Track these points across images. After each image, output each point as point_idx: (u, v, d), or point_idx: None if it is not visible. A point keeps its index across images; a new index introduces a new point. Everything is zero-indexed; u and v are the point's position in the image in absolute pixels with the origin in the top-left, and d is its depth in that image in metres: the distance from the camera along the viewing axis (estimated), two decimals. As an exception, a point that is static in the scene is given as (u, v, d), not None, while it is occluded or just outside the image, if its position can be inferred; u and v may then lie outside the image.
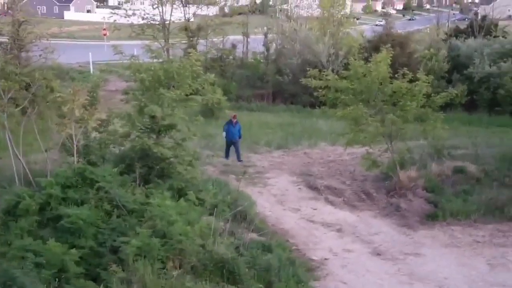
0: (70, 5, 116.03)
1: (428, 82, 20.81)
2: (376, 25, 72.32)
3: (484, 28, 51.99)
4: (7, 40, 31.93)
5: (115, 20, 46.79)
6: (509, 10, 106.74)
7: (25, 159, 15.33)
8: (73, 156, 15.12)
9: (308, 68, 24.83)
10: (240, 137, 23.52)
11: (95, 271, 10.28)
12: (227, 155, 23.41)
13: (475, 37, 48.18)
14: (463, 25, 58.09)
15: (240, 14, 59.44)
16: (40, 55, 31.42)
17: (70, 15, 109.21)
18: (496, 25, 54.21)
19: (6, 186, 14.07)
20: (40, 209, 11.72)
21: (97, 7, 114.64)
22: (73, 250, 10.31)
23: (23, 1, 41.71)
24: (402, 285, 13.51)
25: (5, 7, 36.16)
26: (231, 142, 23.19)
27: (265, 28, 51.42)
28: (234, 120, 23.38)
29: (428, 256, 15.55)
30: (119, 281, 9.97)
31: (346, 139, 21.67)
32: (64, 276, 9.89)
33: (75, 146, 15.12)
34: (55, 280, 9.77)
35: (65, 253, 10.17)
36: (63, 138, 15.53)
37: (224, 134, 23.28)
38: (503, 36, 49.49)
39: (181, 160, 15.43)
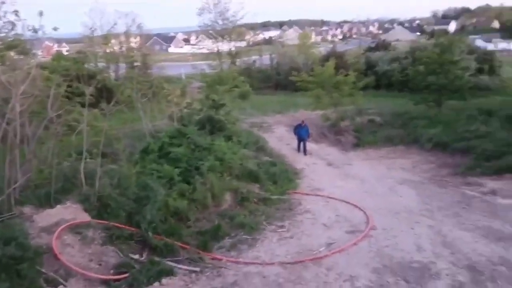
0: (171, 44, 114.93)
1: (354, 76, 20.33)
2: (327, 47, 70.18)
3: (383, 46, 50.48)
4: (139, 64, 32.12)
5: (194, 51, 46.62)
6: (397, 38, 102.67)
7: (151, 124, 15.28)
8: (174, 121, 15.06)
9: (293, 71, 24.34)
10: (308, 136, 16.93)
11: (188, 179, 10.30)
12: (298, 149, 16.66)
13: (379, 51, 46.63)
14: (373, 45, 56.13)
15: (257, 45, 58.53)
16: (156, 71, 31.83)
17: (171, 49, 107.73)
18: (389, 44, 52.74)
19: (142, 138, 14.09)
20: (159, 149, 11.67)
21: (185, 44, 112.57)
22: (176, 169, 10.36)
23: (146, 44, 41.85)
24: (342, 180, 13.44)
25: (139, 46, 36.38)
26: (300, 140, 16.65)
27: (270, 52, 50.30)
28: (303, 124, 16.81)
29: (355, 165, 15.46)
30: (200, 183, 10.08)
31: (313, 107, 21.33)
32: (172, 182, 9.99)
33: (175, 117, 15.06)
34: (168, 184, 9.89)
35: (172, 171, 10.25)
36: (169, 113, 15.49)
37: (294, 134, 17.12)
38: (393, 50, 47.89)
39: (228, 121, 15.21)
